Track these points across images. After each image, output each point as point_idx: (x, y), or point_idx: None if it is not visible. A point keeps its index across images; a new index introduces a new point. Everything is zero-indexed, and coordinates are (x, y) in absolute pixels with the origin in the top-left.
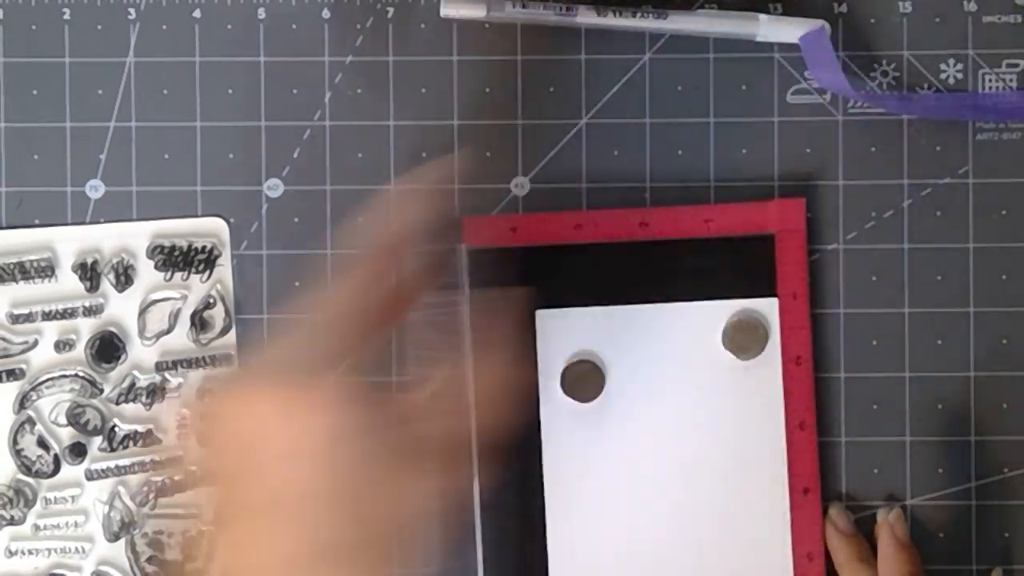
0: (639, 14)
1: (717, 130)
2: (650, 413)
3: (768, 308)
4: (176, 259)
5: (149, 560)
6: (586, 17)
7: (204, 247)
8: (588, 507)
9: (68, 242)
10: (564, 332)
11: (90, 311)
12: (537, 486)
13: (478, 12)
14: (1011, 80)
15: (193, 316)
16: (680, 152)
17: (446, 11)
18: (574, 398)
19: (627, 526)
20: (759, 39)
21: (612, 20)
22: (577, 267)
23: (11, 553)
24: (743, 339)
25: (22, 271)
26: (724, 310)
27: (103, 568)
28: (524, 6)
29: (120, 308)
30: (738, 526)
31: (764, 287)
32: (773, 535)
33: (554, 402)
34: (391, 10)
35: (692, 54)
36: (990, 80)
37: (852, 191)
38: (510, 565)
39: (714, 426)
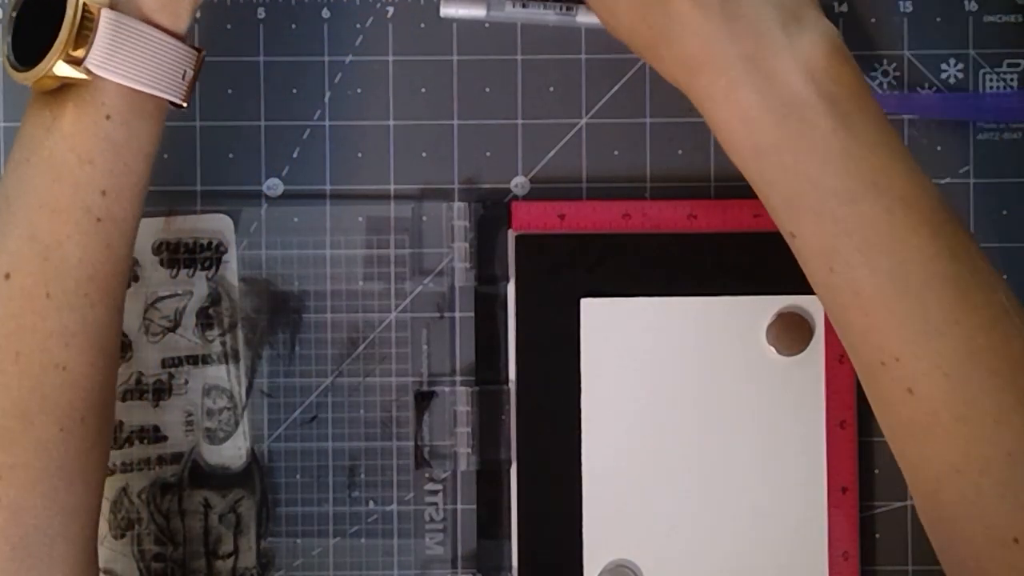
0: None
1: None
2: (691, 406)
3: (814, 305)
4: (182, 256)
5: (156, 558)
6: (586, 17)
7: (210, 243)
8: (625, 499)
9: None
10: (608, 321)
11: None
12: (576, 475)
13: (478, 12)
14: (1012, 80)
15: (199, 313)
16: (680, 152)
17: (446, 11)
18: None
19: (664, 519)
20: None
21: None
22: (624, 257)
23: None
24: (787, 335)
25: None
26: (769, 305)
27: (109, 566)
28: (524, 6)
29: (126, 305)
30: (774, 522)
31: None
32: (809, 532)
33: (595, 392)
34: (391, 10)
35: None
36: (991, 80)
37: None
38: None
39: (755, 422)
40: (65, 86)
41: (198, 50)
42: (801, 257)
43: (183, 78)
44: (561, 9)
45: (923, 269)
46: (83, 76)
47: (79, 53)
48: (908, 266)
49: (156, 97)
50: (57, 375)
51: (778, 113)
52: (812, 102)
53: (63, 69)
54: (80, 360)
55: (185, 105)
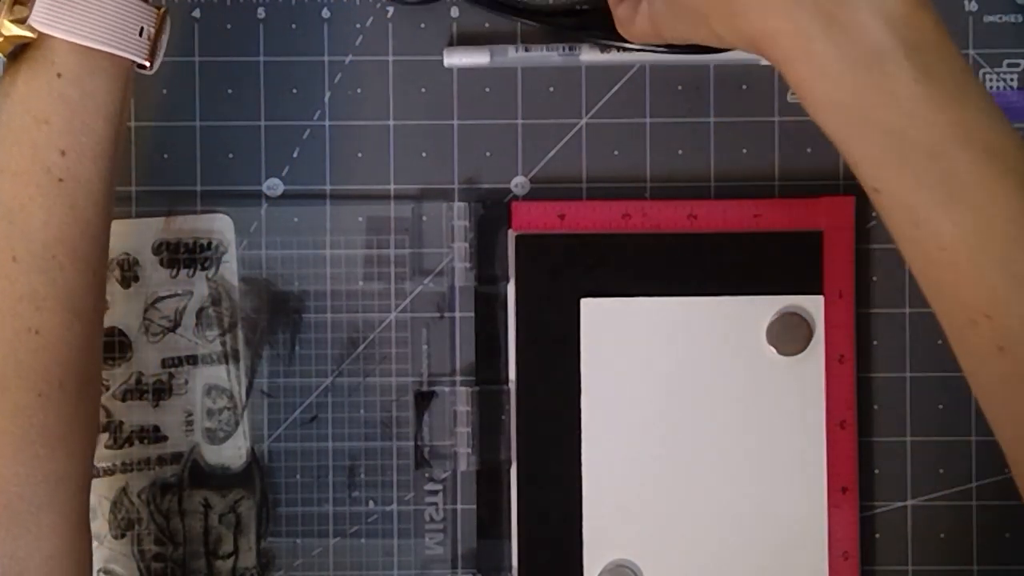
0: (643, 49)
1: (717, 130)
2: (691, 406)
3: (814, 305)
4: (182, 256)
5: (156, 558)
6: (590, 55)
7: (210, 243)
8: (625, 499)
9: None
10: (608, 321)
11: None
12: (576, 475)
13: (481, 59)
14: (1012, 80)
15: (199, 313)
16: (680, 152)
17: (449, 61)
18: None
19: (664, 519)
20: None
21: (616, 57)
22: (624, 257)
23: None
24: (787, 336)
25: None
26: (770, 306)
27: (109, 566)
28: (527, 50)
29: (125, 305)
30: (775, 522)
31: (811, 284)
32: (809, 532)
33: (595, 392)
34: (391, 10)
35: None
36: (991, 80)
37: (853, 191)
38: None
39: (755, 421)
40: (21, 50)
41: (158, 7)
42: (884, 213)
43: (141, 35)
44: (564, 50)
45: (1010, 223)
46: (30, 34)
47: (23, 11)
48: (994, 220)
49: (114, 55)
50: (31, 339)
51: (857, 65)
52: (892, 51)
53: (10, 29)
54: (54, 323)
55: (149, 65)
